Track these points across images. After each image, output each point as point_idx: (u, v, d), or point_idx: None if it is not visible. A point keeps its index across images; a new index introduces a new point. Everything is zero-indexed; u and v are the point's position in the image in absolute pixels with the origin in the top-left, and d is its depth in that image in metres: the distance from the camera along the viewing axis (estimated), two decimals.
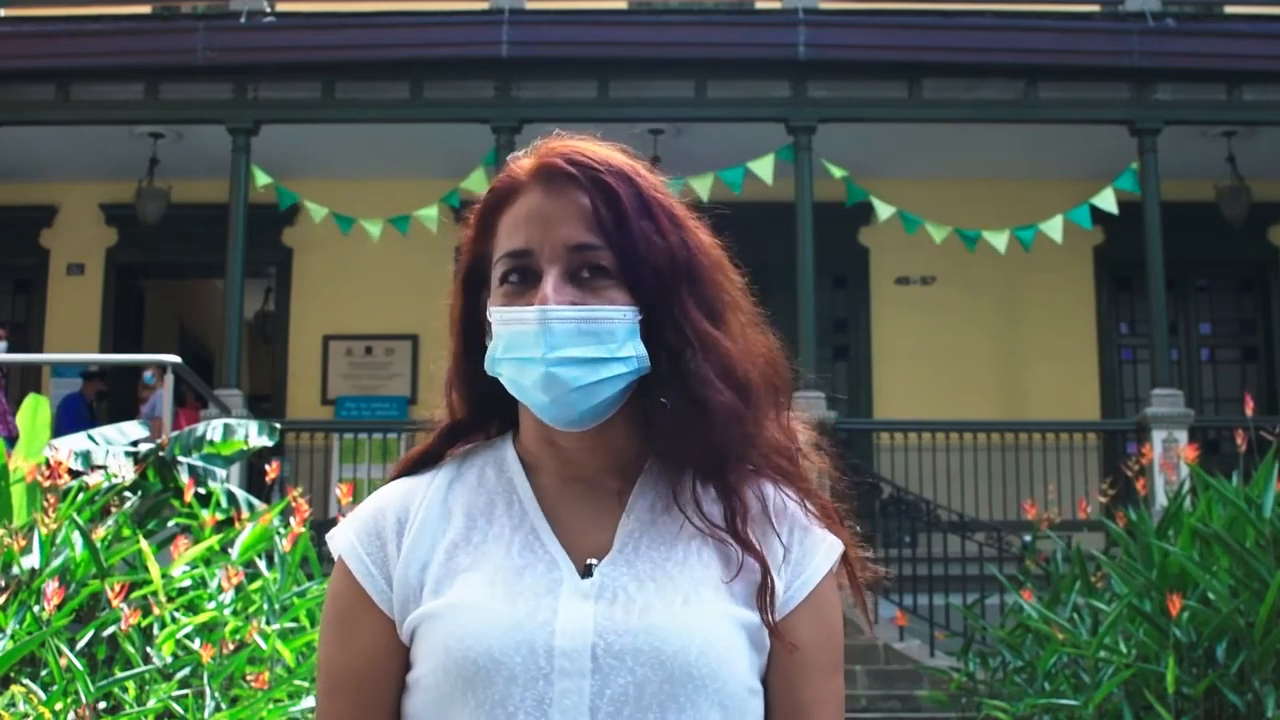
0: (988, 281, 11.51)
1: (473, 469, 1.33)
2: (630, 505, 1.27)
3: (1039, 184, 11.45)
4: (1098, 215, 10.47)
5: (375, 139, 11.07)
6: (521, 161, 1.30)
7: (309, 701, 3.58)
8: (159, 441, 5.69)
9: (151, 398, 10.44)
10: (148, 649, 3.65)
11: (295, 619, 4.00)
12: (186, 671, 3.60)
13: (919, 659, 8.51)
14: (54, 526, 3.73)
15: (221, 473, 5.46)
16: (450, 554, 1.25)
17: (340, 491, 4.57)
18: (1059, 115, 10.66)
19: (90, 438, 5.60)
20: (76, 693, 3.13)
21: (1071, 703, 4.57)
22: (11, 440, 5.00)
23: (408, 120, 10.71)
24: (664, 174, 1.32)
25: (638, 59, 10.53)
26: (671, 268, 1.25)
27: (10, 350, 10.35)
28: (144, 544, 3.77)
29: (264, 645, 3.72)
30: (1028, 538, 7.05)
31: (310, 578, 4.53)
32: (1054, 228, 10.41)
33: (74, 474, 4.56)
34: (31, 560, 3.67)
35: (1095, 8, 11.09)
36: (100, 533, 3.97)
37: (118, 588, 3.54)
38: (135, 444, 5.67)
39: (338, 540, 1.29)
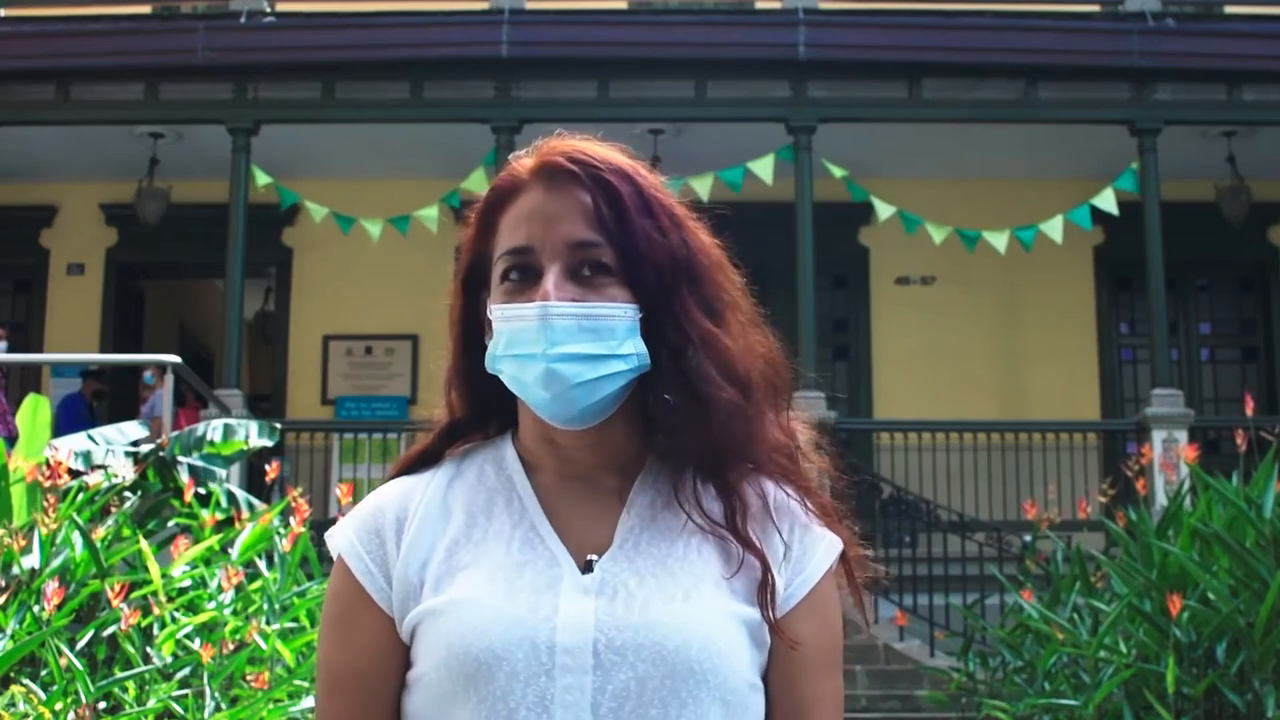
0: (988, 281, 11.51)
1: (472, 467, 1.33)
2: (630, 502, 1.27)
3: (1039, 184, 11.46)
4: (1098, 215, 10.47)
5: (375, 139, 11.07)
6: (523, 160, 1.30)
7: (309, 701, 3.58)
8: (159, 441, 5.70)
9: (151, 398, 10.43)
10: (148, 649, 3.65)
11: (295, 619, 4.00)
12: (186, 671, 3.60)
13: (919, 659, 8.51)
14: (54, 526, 3.73)
15: (221, 473, 5.46)
16: (450, 551, 1.25)
17: (340, 491, 4.57)
18: (1059, 115, 10.66)
19: (90, 438, 5.60)
20: (76, 693, 3.13)
21: (1071, 703, 4.57)
22: (11, 440, 5.00)
23: (408, 120, 10.71)
24: (664, 174, 1.33)
25: (638, 59, 10.53)
26: (672, 266, 1.26)
27: (10, 350, 10.34)
28: (144, 544, 3.77)
29: (264, 645, 3.72)
30: (1028, 538, 7.05)
31: (310, 578, 4.52)
32: (1054, 228, 10.41)
33: (74, 474, 4.56)
34: (31, 560, 3.67)
35: (1095, 8, 11.09)
36: (100, 533, 3.97)
37: (118, 588, 3.54)
38: (135, 444, 5.67)
39: (337, 539, 1.29)
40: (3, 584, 3.60)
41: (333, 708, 1.26)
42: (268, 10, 10.91)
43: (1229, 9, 11.41)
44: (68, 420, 9.19)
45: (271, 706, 3.50)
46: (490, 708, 1.16)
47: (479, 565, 1.23)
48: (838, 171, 10.32)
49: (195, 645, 3.60)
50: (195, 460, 5.33)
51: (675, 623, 1.18)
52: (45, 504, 3.79)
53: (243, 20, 10.71)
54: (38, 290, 12.20)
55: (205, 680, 3.52)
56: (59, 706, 3.08)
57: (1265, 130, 10.87)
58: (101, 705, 3.28)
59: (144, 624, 3.66)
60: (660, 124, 10.68)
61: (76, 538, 3.78)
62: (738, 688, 1.20)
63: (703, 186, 9.80)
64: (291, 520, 4.22)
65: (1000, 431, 10.48)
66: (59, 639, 3.23)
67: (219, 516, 4.55)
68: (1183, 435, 9.87)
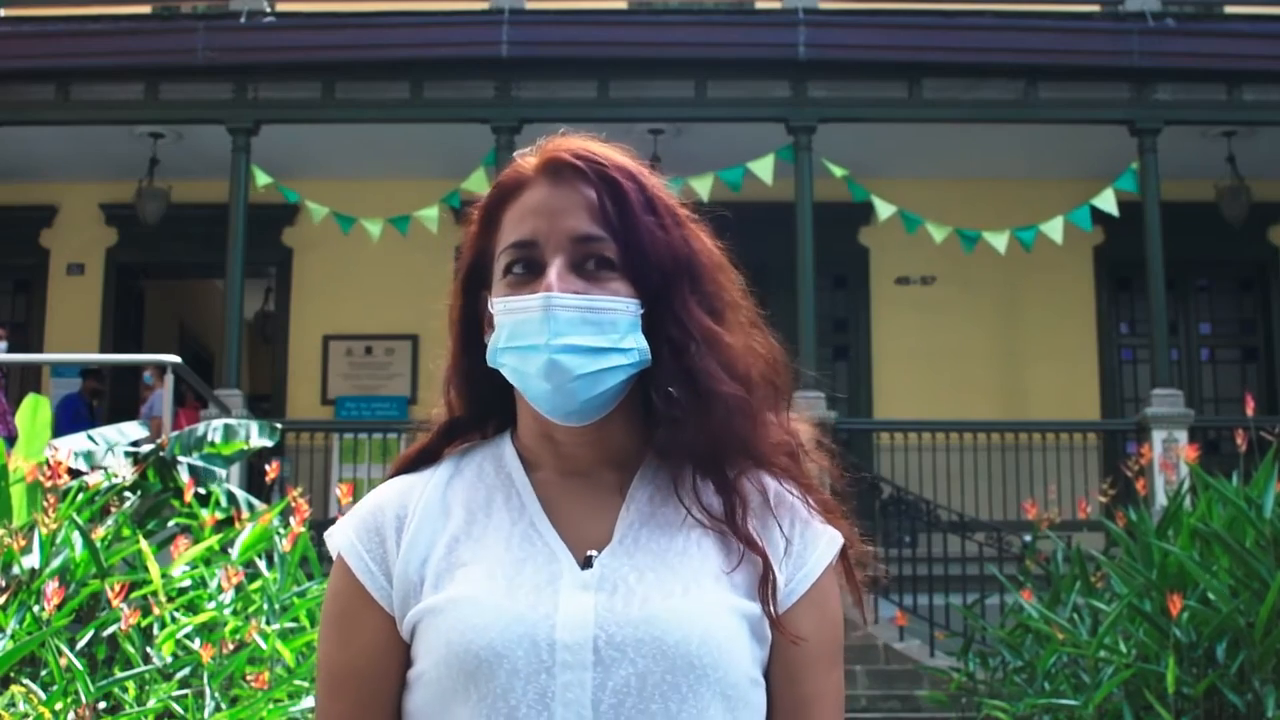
0: (988, 281, 11.52)
1: (471, 465, 1.33)
2: (630, 497, 1.27)
3: (1039, 184, 11.46)
4: (1098, 215, 10.47)
5: (375, 139, 11.07)
6: (527, 158, 1.31)
7: (309, 701, 3.58)
8: (159, 441, 5.70)
9: (150, 398, 10.44)
10: (148, 649, 3.65)
11: (295, 619, 4.00)
12: (186, 671, 3.60)
13: (919, 659, 8.51)
14: (54, 526, 3.73)
15: (221, 473, 5.46)
16: (450, 549, 1.25)
17: (340, 491, 4.57)
18: (1059, 115, 10.66)
19: (90, 438, 5.59)
20: (76, 693, 3.13)
21: (1071, 703, 4.57)
22: (11, 440, 5.00)
23: (408, 120, 10.71)
24: (664, 174, 1.33)
25: (638, 59, 10.53)
26: (674, 264, 1.27)
27: (10, 350, 10.34)
28: (144, 544, 3.77)
29: (264, 645, 3.72)
30: (1028, 538, 7.05)
31: (310, 578, 4.52)
32: (1054, 228, 10.41)
33: (74, 474, 4.56)
34: (31, 560, 3.67)
35: (1095, 8, 11.10)
36: (100, 533, 3.97)
37: (118, 588, 3.54)
38: (135, 444, 5.67)
39: (337, 538, 1.29)
40: (3, 584, 3.60)
41: (333, 707, 1.26)
42: (268, 10, 10.91)
43: (1229, 9, 11.41)
44: (67, 420, 9.19)
45: (271, 706, 3.50)
46: (491, 705, 1.16)
47: (479, 562, 1.23)
48: (838, 171, 10.32)
49: (195, 645, 3.60)
50: (195, 460, 5.33)
51: (675, 618, 1.18)
52: (45, 504, 3.79)
53: (243, 20, 10.71)
54: (38, 290, 12.20)
55: (205, 680, 3.51)
56: (59, 706, 3.08)
57: (1265, 130, 10.87)
58: (101, 705, 3.28)
59: (144, 624, 3.66)
60: (660, 124, 10.68)
61: (76, 538, 3.78)
62: (738, 682, 1.20)
63: (703, 186, 9.80)
64: (291, 520, 4.22)
65: (1000, 431, 10.48)
66: (59, 639, 3.23)
67: (219, 516, 4.55)
68: (1183, 435, 9.87)
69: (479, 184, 9.86)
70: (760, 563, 1.23)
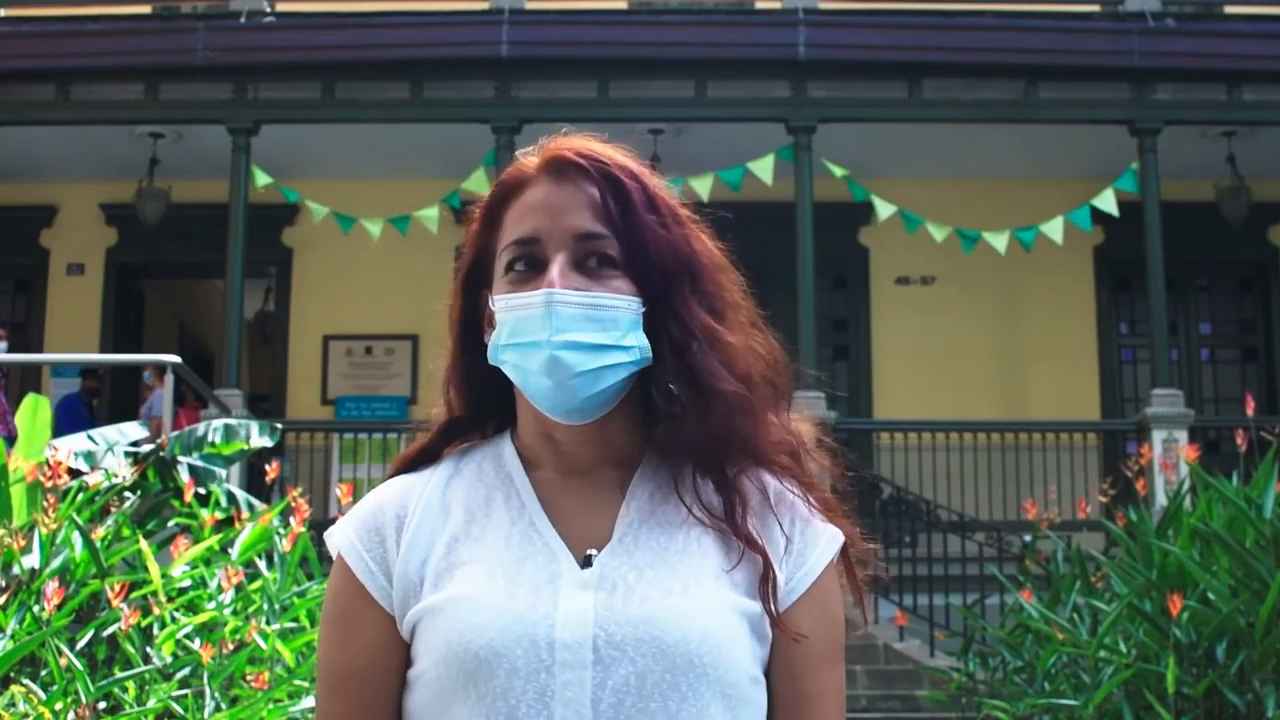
0: (988, 281, 11.52)
1: (471, 465, 1.33)
2: (630, 495, 1.27)
3: (1039, 184, 11.46)
4: (1098, 215, 10.47)
5: (375, 139, 11.07)
6: (529, 157, 1.32)
7: (309, 701, 3.58)
8: (159, 441, 5.70)
9: (150, 398, 10.44)
10: (148, 649, 3.65)
11: (295, 619, 4.00)
12: (186, 671, 3.60)
13: (919, 659, 8.51)
14: (54, 526, 3.73)
15: (221, 473, 5.46)
16: (450, 548, 1.25)
17: (340, 491, 4.57)
18: (1059, 115, 10.66)
19: (90, 438, 5.59)
20: (76, 693, 3.13)
21: (1071, 703, 4.57)
22: (11, 440, 5.00)
23: (408, 120, 10.71)
24: (664, 174, 1.34)
25: (638, 59, 10.53)
26: (676, 263, 1.27)
27: (10, 350, 10.34)
28: (144, 544, 3.77)
29: (264, 645, 3.72)
30: (1028, 538, 7.05)
31: (310, 578, 4.53)
32: (1054, 229, 10.41)
33: (74, 474, 4.56)
34: (31, 560, 3.67)
35: (1095, 8, 11.09)
36: (100, 533, 3.97)
37: (118, 588, 3.54)
38: (135, 444, 5.67)
39: (337, 538, 1.29)
40: (3, 584, 3.60)
41: (333, 707, 1.26)
42: (268, 10, 10.91)
43: (1229, 9, 11.41)
44: (66, 420, 9.19)
45: (271, 706, 3.50)
46: (490, 705, 1.16)
47: (478, 562, 1.23)
48: (838, 171, 10.32)
49: (195, 645, 3.60)
50: (195, 460, 5.33)
51: (674, 616, 1.18)
52: (45, 504, 3.79)
53: (243, 20, 10.71)
54: (38, 290, 12.20)
55: (205, 680, 3.52)
56: (59, 706, 3.08)
57: (1265, 130, 10.87)
58: (101, 705, 3.29)
59: (144, 624, 3.66)
60: (660, 124, 10.68)
61: (76, 538, 3.78)
62: (738, 681, 1.20)
63: (703, 186, 9.80)
64: (291, 520, 4.22)
65: (1000, 431, 10.48)
66: (59, 639, 3.23)
67: (219, 516, 4.55)
68: (1183, 435, 9.87)
69: (479, 184, 9.86)
70: (760, 561, 1.23)
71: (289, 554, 4.11)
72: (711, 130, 10.76)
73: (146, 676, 3.48)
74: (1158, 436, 9.92)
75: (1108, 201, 10.33)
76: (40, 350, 11.64)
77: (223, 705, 3.53)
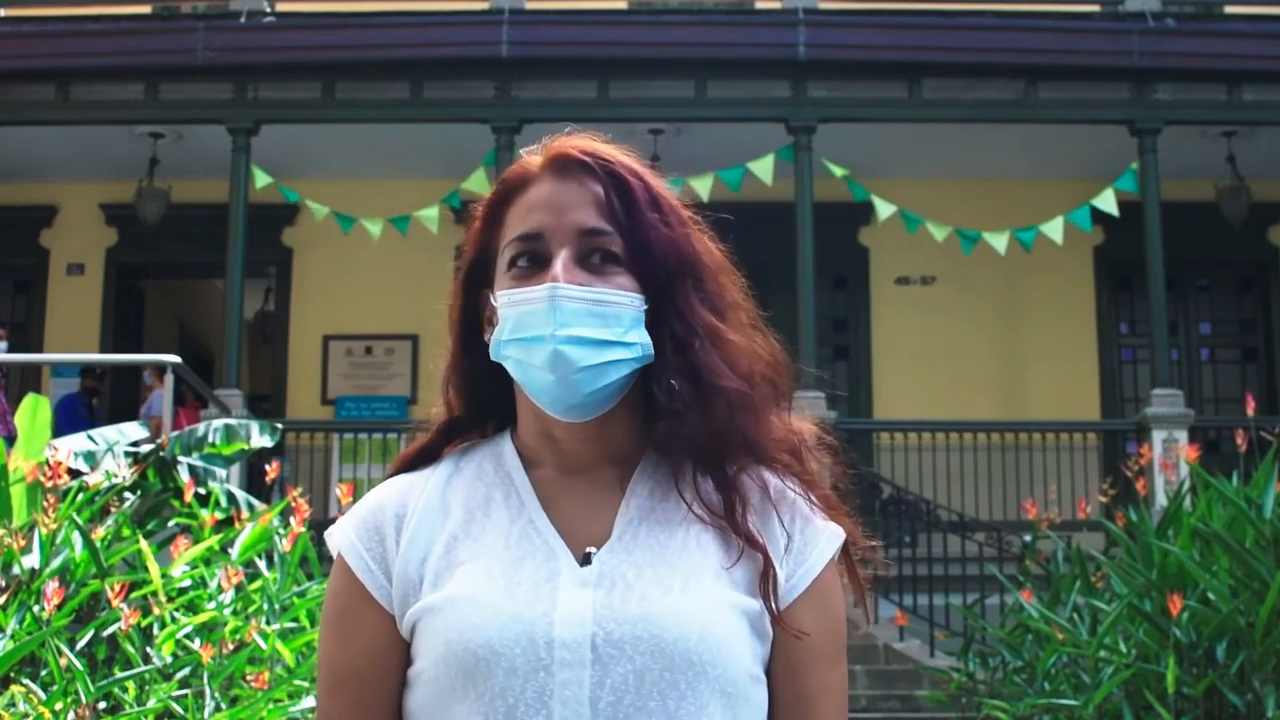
0: (988, 281, 11.52)
1: (471, 464, 1.33)
2: (630, 492, 1.27)
3: (1039, 184, 11.46)
4: (1098, 215, 10.47)
5: (375, 139, 11.07)
6: (533, 155, 1.32)
7: (309, 701, 3.58)
8: (159, 441, 5.70)
9: (149, 398, 10.44)
10: (148, 649, 3.65)
11: (295, 619, 4.00)
12: (186, 671, 3.60)
13: (919, 659, 8.51)
14: (54, 526, 3.73)
15: (221, 473, 5.47)
16: (449, 547, 1.25)
17: (340, 491, 4.57)
18: (1059, 115, 10.66)
19: (90, 438, 5.60)
20: (76, 693, 3.13)
21: (1071, 703, 4.57)
22: (11, 440, 5.00)
23: (408, 120, 10.71)
24: (664, 174, 1.34)
25: (638, 59, 10.53)
26: (678, 261, 1.27)
27: (10, 350, 10.34)
28: (144, 544, 3.77)
29: (264, 645, 3.72)
30: (1028, 538, 7.05)
31: (310, 578, 4.53)
32: (1054, 229, 10.41)
33: (74, 474, 4.56)
34: (31, 560, 3.67)
35: (1095, 8, 11.09)
36: (100, 533, 3.97)
37: (118, 588, 3.54)
38: (135, 444, 5.67)
39: (336, 537, 1.29)
40: (3, 584, 3.60)
41: (333, 706, 1.26)
42: (268, 10, 10.91)
43: (1229, 9, 11.41)
44: (65, 420, 9.19)
45: (271, 706, 3.50)
46: (489, 704, 1.16)
47: (477, 560, 1.23)
48: (838, 171, 10.32)
49: (195, 645, 3.60)
50: (195, 460, 5.33)
51: (673, 614, 1.18)
52: (45, 504, 3.79)
53: (243, 20, 10.71)
54: (38, 290, 12.20)
55: (205, 680, 3.52)
56: (59, 706, 3.08)
57: (1265, 130, 10.87)
58: (101, 705, 3.29)
59: (144, 624, 3.66)
60: (660, 124, 10.68)
61: (76, 538, 3.78)
62: (738, 679, 1.19)
63: (703, 186, 9.80)
64: (291, 520, 4.22)
65: (1000, 431, 10.48)
66: (59, 639, 3.23)
67: (219, 516, 4.55)
68: (1183, 435, 9.87)
69: (479, 184, 9.86)
70: (760, 559, 1.23)
71: (289, 554, 4.11)
72: (711, 130, 10.76)
73: (146, 676, 3.48)
74: (1158, 436, 9.92)
75: (1108, 201, 10.33)
76: (40, 350, 11.64)
77: (223, 705, 3.53)
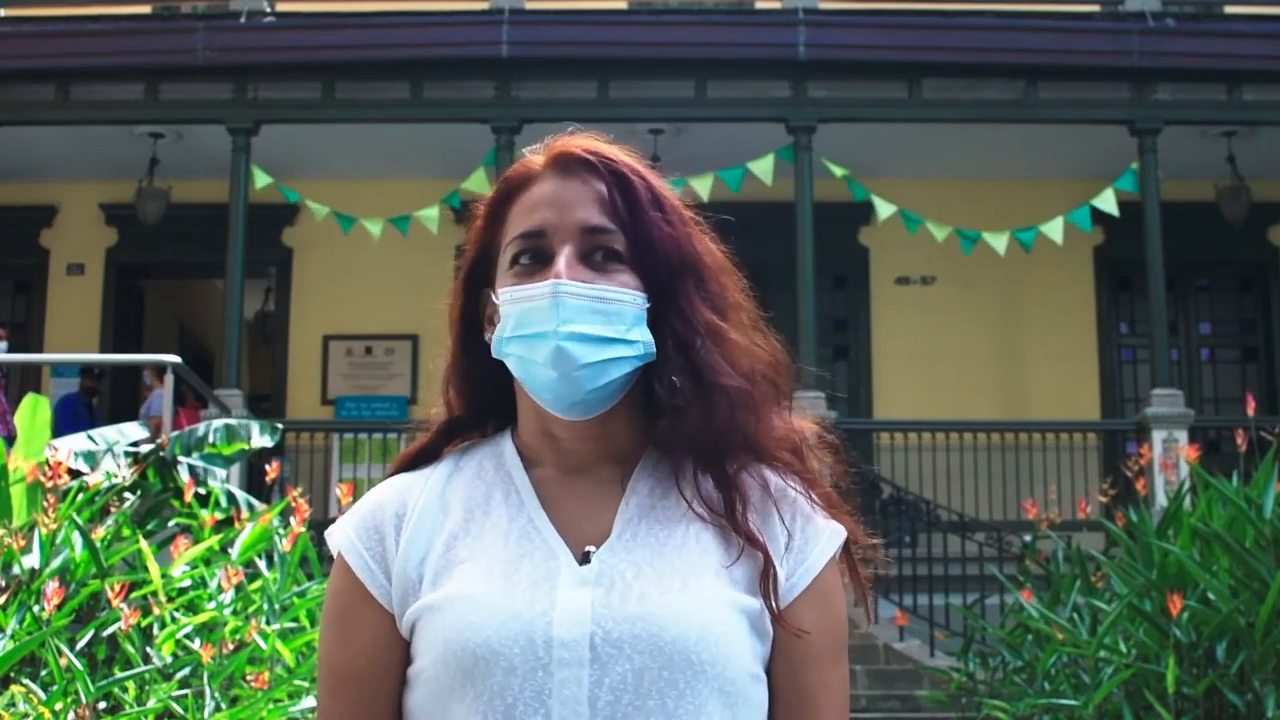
0: (988, 281, 11.52)
1: (471, 463, 1.33)
2: (629, 491, 1.27)
3: (1039, 184, 11.46)
4: (1098, 215, 10.47)
5: (375, 139, 11.07)
6: (536, 154, 1.32)
7: (309, 701, 3.58)
8: (159, 441, 5.70)
9: (148, 398, 10.44)
10: (148, 649, 3.65)
11: (295, 619, 4.00)
12: (186, 671, 3.60)
13: (919, 659, 8.51)
14: (54, 526, 3.73)
15: (221, 473, 5.47)
16: (449, 546, 1.25)
17: (340, 491, 4.57)
18: (1059, 115, 10.66)
19: (90, 438, 5.60)
20: (76, 693, 3.13)
21: (1071, 703, 4.57)
22: (11, 440, 5.00)
23: (408, 120, 10.71)
24: (665, 174, 1.34)
25: (638, 59, 10.53)
26: (681, 261, 1.28)
27: (10, 350, 10.34)
28: (144, 544, 3.77)
29: (264, 645, 3.72)
30: (1028, 538, 7.05)
31: (310, 578, 4.53)
32: (1054, 229, 10.41)
33: (74, 474, 4.56)
34: (31, 560, 3.67)
35: (1095, 8, 11.09)
36: (100, 533, 3.97)
37: (118, 588, 3.54)
38: (135, 444, 5.67)
39: (336, 537, 1.29)
40: (3, 584, 3.60)
41: (334, 706, 1.26)
42: (268, 10, 10.91)
43: (1229, 9, 11.41)
44: (64, 420, 9.19)
45: (271, 706, 3.50)
46: (488, 703, 1.16)
47: (476, 559, 1.23)
48: (838, 171, 10.32)
49: (195, 645, 3.60)
50: (195, 460, 5.33)
51: (672, 613, 1.18)
52: (45, 504, 3.79)
53: (243, 20, 10.71)
54: (38, 290, 12.20)
55: (205, 680, 3.52)
56: (59, 706, 3.08)
57: (1265, 130, 10.87)
58: (101, 705, 3.29)
59: (144, 624, 3.66)
60: (660, 124, 10.68)
61: (76, 538, 3.78)
62: (737, 678, 1.19)
63: (703, 186, 9.80)
64: (291, 520, 4.22)
65: (1000, 431, 10.48)
66: (59, 639, 3.23)
67: (219, 516, 4.55)
68: (1183, 435, 9.87)
69: (479, 184, 9.86)
70: (761, 557, 1.23)
71: (289, 554, 4.11)
72: (711, 130, 10.76)
73: (146, 676, 3.48)
74: (1158, 436, 9.92)
75: (1108, 201, 10.33)
76: (40, 350, 11.64)
77: (223, 705, 3.53)
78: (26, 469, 4.26)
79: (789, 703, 1.24)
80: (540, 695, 1.16)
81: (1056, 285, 11.73)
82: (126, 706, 3.35)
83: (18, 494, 4.24)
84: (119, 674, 3.45)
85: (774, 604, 1.22)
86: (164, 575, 3.80)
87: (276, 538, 4.17)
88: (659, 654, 1.16)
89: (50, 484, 3.80)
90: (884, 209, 10.43)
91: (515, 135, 10.10)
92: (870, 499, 9.64)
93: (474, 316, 1.33)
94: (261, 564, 4.13)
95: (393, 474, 1.35)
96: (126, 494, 4.66)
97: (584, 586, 1.20)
